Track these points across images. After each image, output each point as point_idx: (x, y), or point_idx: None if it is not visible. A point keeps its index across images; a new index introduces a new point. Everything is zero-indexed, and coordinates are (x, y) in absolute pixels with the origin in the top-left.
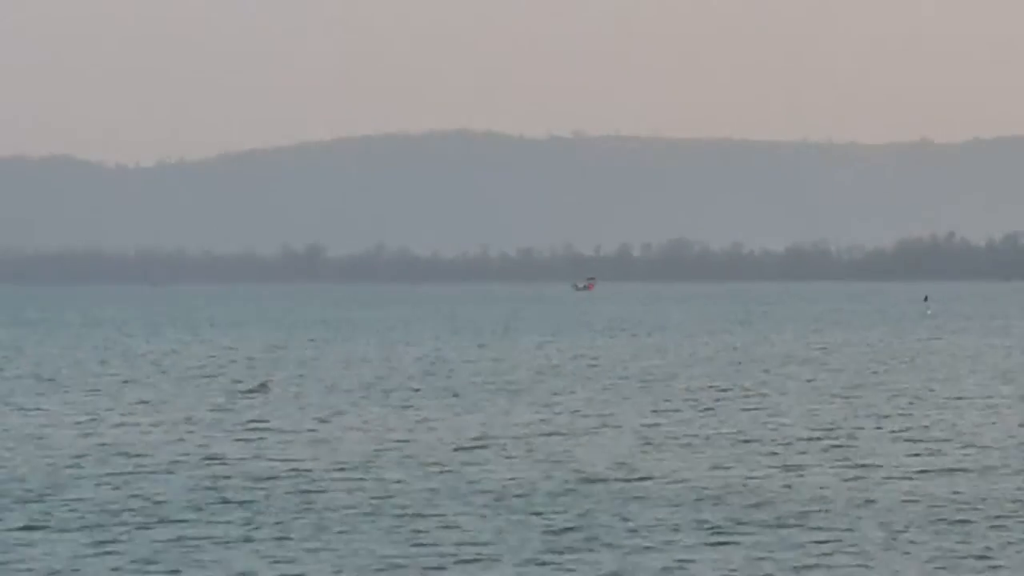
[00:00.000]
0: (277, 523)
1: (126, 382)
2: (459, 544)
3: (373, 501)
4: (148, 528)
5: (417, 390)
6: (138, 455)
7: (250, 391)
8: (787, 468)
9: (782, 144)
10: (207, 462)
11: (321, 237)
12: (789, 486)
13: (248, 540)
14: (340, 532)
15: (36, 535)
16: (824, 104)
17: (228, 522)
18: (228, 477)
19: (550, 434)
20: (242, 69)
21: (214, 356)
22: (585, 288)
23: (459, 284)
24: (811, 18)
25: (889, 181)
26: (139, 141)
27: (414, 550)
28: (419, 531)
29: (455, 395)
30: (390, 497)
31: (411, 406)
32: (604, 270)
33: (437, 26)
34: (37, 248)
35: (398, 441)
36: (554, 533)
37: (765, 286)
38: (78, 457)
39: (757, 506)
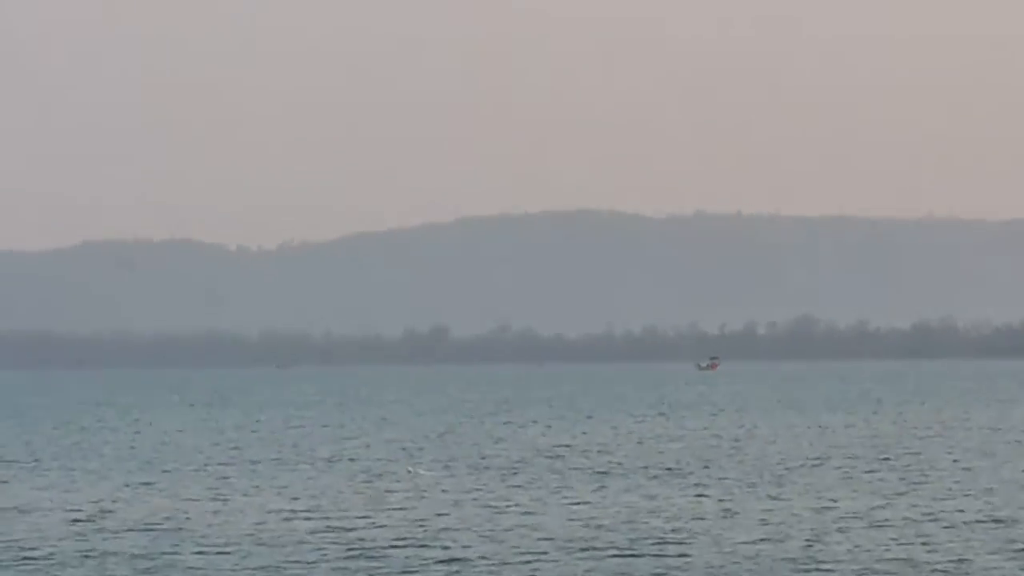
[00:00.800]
0: None
1: (273, 463)
2: None
3: None
4: None
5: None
6: (295, 543)
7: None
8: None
9: (906, 221)
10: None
11: (444, 318)
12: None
13: None
14: None
15: None
16: (948, 179)
17: None
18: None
19: (720, 516)
20: (363, 152)
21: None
22: (708, 367)
23: (583, 363)
24: (941, 91)
25: (1016, 257)
26: (261, 223)
27: None
28: None
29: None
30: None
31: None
32: (729, 348)
33: (555, 107)
34: (161, 330)
35: (602, 524)
36: None
37: (893, 364)
38: (241, 545)
39: None
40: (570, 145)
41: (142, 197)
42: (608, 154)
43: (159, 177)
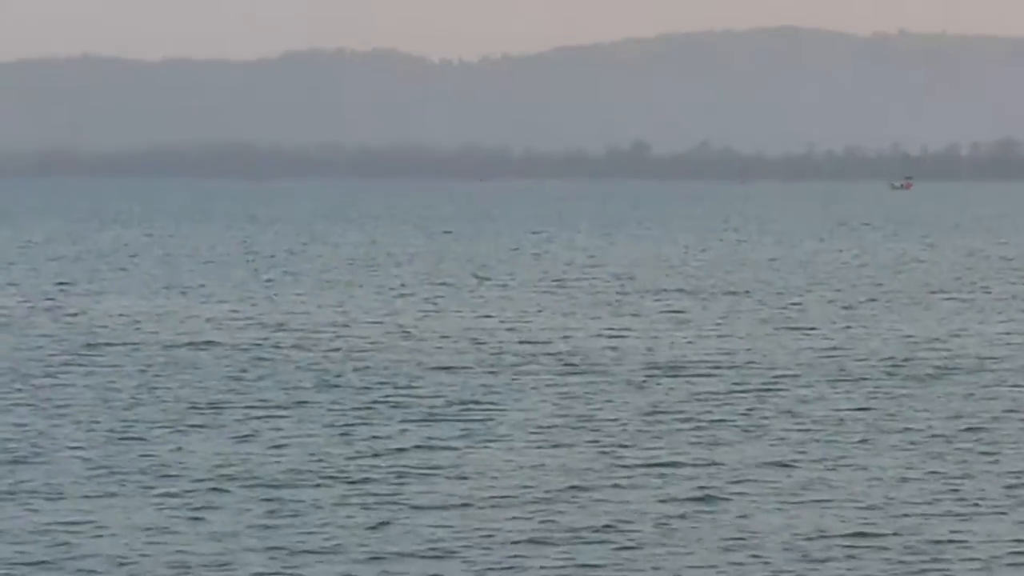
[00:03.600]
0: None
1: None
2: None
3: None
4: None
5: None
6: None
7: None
8: None
9: None
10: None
11: (646, 134)
12: None
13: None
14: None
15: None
16: None
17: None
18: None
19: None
20: None
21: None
22: (902, 187)
23: (782, 181)
24: None
25: None
26: (463, 35)
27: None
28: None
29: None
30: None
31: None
32: (931, 169)
33: None
34: (363, 141)
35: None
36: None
37: None
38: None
39: None
40: None
41: (346, 6)
42: None
43: None
